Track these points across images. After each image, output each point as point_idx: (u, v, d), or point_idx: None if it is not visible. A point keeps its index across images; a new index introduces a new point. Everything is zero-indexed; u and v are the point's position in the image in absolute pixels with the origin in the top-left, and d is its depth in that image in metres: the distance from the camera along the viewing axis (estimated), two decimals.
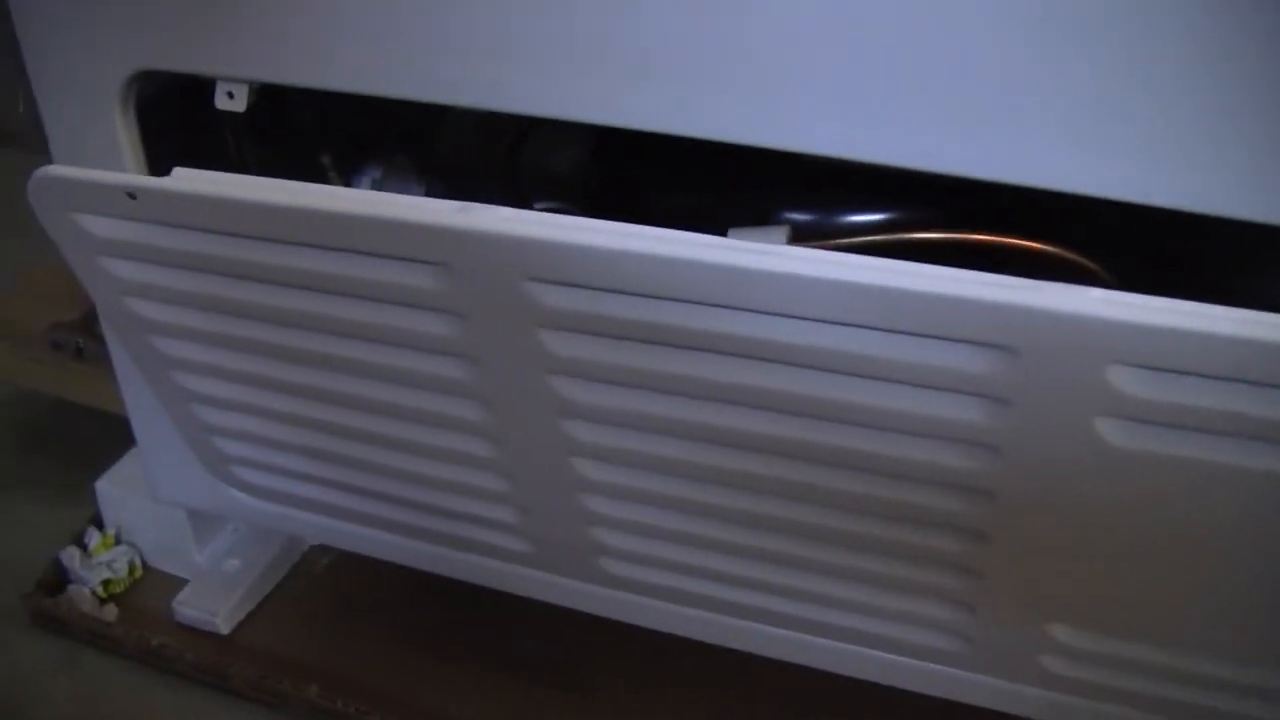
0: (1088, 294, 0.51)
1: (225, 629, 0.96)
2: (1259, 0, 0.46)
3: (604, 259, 0.56)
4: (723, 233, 0.68)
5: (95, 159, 0.73)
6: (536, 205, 0.89)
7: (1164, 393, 0.52)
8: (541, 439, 0.67)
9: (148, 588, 1.01)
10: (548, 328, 0.61)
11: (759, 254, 0.54)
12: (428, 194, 0.91)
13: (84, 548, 1.01)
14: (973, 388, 0.55)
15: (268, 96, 0.70)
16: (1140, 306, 0.50)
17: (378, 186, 0.88)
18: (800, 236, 0.67)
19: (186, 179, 0.64)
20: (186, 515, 0.98)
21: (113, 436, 0.97)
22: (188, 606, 0.97)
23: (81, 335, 1.05)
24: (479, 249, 0.58)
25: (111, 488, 1.01)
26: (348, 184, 0.84)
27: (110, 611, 0.97)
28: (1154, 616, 0.63)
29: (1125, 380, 0.52)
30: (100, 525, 1.02)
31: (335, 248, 0.62)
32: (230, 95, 0.69)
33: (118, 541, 1.02)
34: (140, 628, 0.96)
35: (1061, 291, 0.51)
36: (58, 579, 1.00)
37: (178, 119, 0.73)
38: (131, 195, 0.65)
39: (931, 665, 0.71)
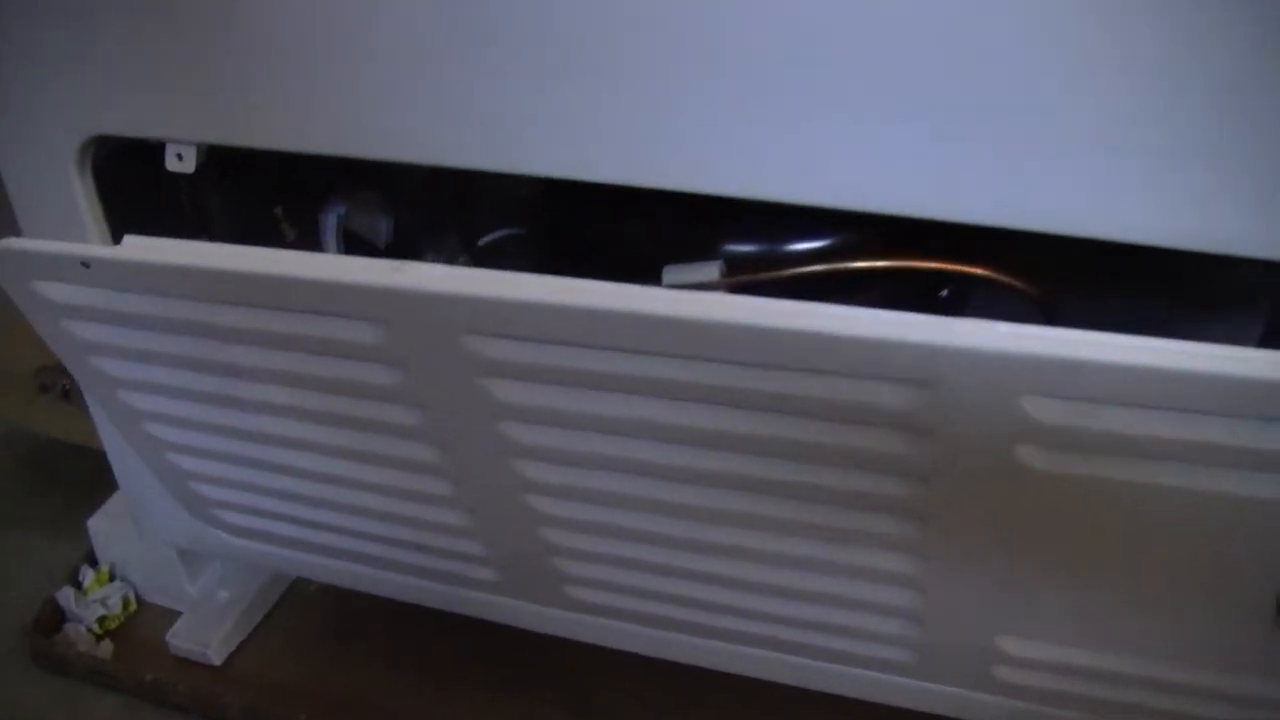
0: (996, 330, 0.52)
1: (217, 660, 0.99)
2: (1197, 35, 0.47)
3: (534, 313, 0.58)
4: (670, 257, 0.70)
5: (56, 220, 0.75)
6: (492, 233, 0.91)
7: (1079, 419, 0.54)
8: (495, 478, 0.69)
9: (143, 621, 1.03)
10: (489, 376, 0.63)
11: (680, 304, 0.55)
12: (394, 225, 0.93)
13: (79, 585, 1.04)
14: (895, 421, 0.57)
15: (219, 153, 0.72)
16: (1048, 340, 0.52)
17: (343, 221, 0.90)
18: (740, 268, 0.69)
19: (136, 248, 0.66)
20: (176, 550, 1.00)
21: (106, 473, 0.99)
22: (180, 639, 0.99)
23: (67, 378, 1.07)
24: (415, 306, 0.60)
25: (103, 525, 1.04)
26: (313, 223, 0.86)
27: (106, 648, 1.00)
28: (1095, 625, 0.65)
29: (1040, 409, 0.54)
30: (94, 562, 1.05)
31: (279, 308, 0.64)
32: (179, 157, 0.71)
33: (112, 578, 1.04)
34: (135, 662, 0.98)
35: (972, 328, 0.53)
36: (55, 618, 1.02)
37: (136, 178, 0.75)
38: (85, 264, 0.67)
39: (888, 676, 0.73)
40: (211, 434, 0.77)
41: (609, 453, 0.65)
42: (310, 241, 0.84)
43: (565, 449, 0.65)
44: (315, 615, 1.04)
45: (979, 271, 0.66)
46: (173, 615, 1.03)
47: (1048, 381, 0.53)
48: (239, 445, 0.77)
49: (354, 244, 0.90)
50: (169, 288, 0.66)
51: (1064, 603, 0.64)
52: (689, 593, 0.73)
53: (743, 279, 0.67)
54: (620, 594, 0.76)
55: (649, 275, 0.70)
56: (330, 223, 0.90)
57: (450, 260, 0.90)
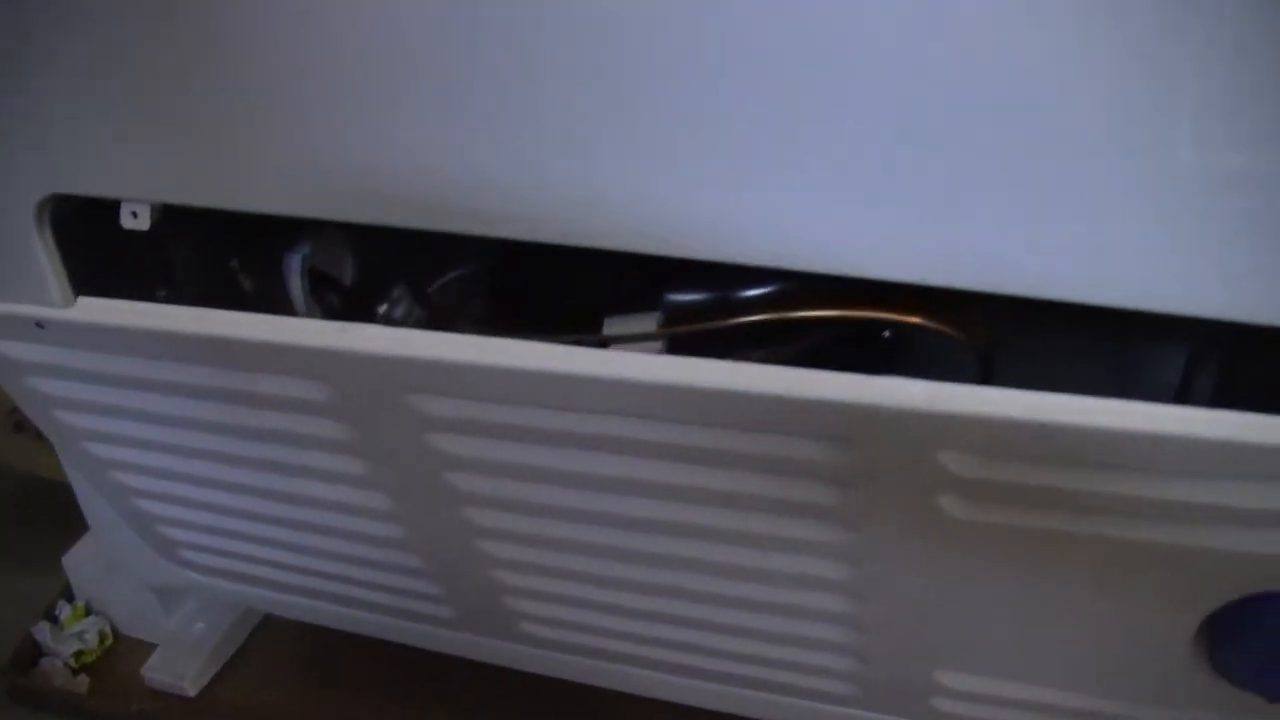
0: (911, 388, 0.54)
1: (193, 691, 1.01)
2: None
3: (470, 374, 0.60)
4: (614, 303, 0.72)
5: (17, 277, 0.76)
6: (449, 273, 0.93)
7: (996, 472, 0.56)
8: (446, 524, 0.72)
9: (120, 655, 1.06)
10: (433, 431, 0.65)
11: (606, 364, 0.57)
12: (359, 264, 0.95)
13: (55, 620, 1.06)
14: (821, 473, 0.59)
15: (175, 210, 0.74)
16: (962, 397, 0.54)
17: (308, 261, 0.91)
18: (681, 317, 0.70)
19: (89, 309, 0.68)
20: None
21: (81, 509, 1.02)
22: (156, 672, 1.02)
23: None
24: (359, 367, 0.62)
25: (79, 561, 1.06)
26: (274, 268, 0.88)
27: (82, 683, 1.02)
28: (1028, 659, 0.67)
29: (957, 463, 0.56)
30: (71, 597, 1.07)
31: (229, 367, 0.66)
32: (134, 215, 0.73)
33: (88, 612, 1.07)
34: (112, 697, 1.01)
35: (889, 387, 0.55)
36: (32, 653, 1.05)
37: (98, 234, 0.77)
38: (40, 325, 0.69)
39: (832, 707, 0.76)
40: (175, 481, 0.79)
41: (552, 501, 0.67)
42: (273, 284, 0.85)
43: (510, 498, 0.67)
44: (290, 647, 1.06)
45: (915, 320, 0.68)
46: (149, 648, 1.05)
47: (962, 437, 0.55)
48: (201, 492, 0.79)
49: (319, 282, 0.91)
50: (123, 347, 0.68)
51: (997, 638, 0.66)
52: (639, 630, 0.75)
53: (682, 329, 0.69)
54: (572, 630, 0.78)
55: (594, 319, 0.72)
56: (294, 264, 0.91)
57: (411, 301, 0.92)
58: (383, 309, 0.88)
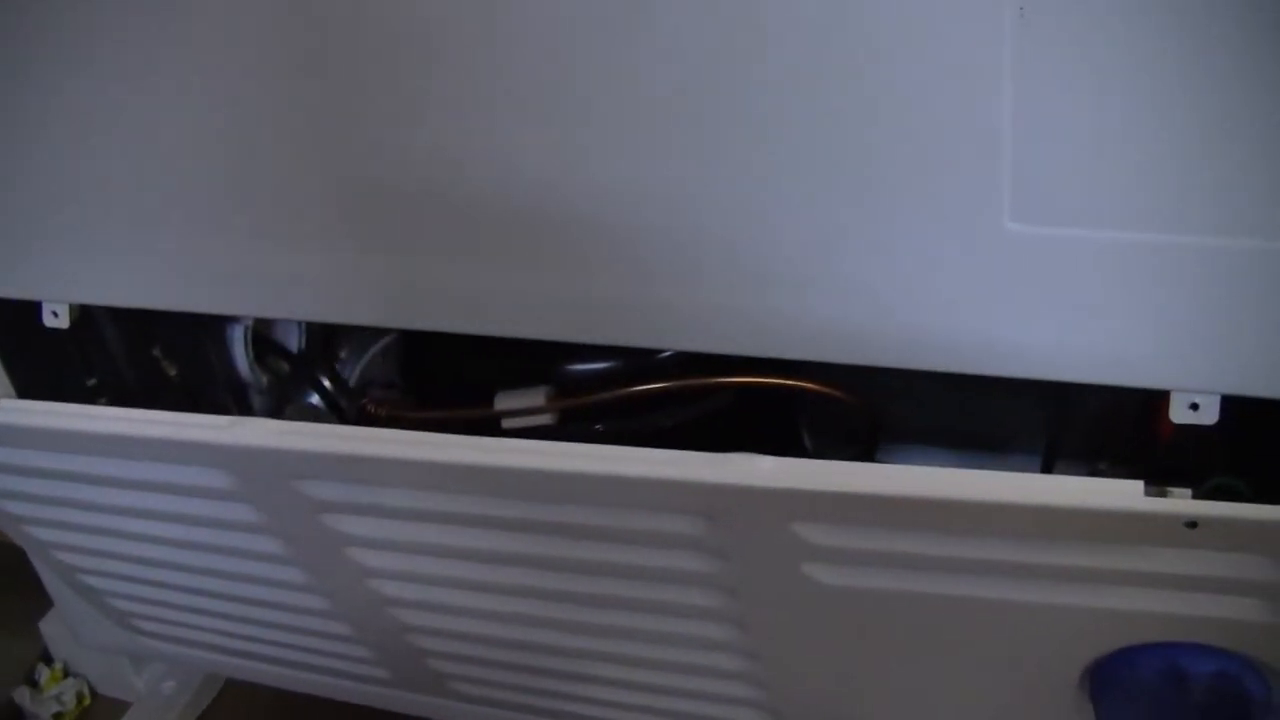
0: (759, 464, 0.56)
1: None
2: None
3: (352, 463, 0.62)
4: (510, 377, 0.74)
5: None
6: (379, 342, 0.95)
7: (851, 541, 0.57)
8: (359, 594, 0.74)
9: (97, 715, 1.09)
10: (326, 513, 0.67)
11: (466, 450, 0.59)
12: (304, 330, 0.98)
13: (35, 684, 1.10)
14: (692, 544, 0.60)
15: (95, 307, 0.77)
16: (806, 472, 0.55)
17: (249, 332, 0.94)
18: (570, 389, 0.72)
19: (8, 410, 0.71)
20: None
21: None
22: None
23: None
24: (250, 458, 0.65)
25: (56, 626, 1.10)
26: (200, 351, 0.91)
27: None
28: (928, 707, 0.68)
29: (812, 533, 0.57)
30: (49, 660, 1.11)
31: (135, 458, 0.69)
32: (55, 314, 0.76)
33: (66, 674, 1.10)
34: None
35: (736, 464, 0.56)
36: (14, 716, 1.08)
37: (27, 331, 0.81)
38: None
39: None
40: (113, 560, 0.82)
41: (449, 573, 0.69)
42: (199, 368, 0.88)
43: (409, 570, 0.70)
44: (259, 704, 1.09)
45: (807, 386, 0.69)
46: (125, 706, 1.09)
47: (812, 510, 0.56)
48: (138, 569, 0.82)
49: (267, 349, 0.94)
50: (43, 444, 0.71)
51: (895, 690, 0.67)
52: (559, 688, 0.77)
53: (569, 402, 0.71)
54: (496, 688, 0.80)
55: (490, 393, 0.74)
56: (237, 333, 0.94)
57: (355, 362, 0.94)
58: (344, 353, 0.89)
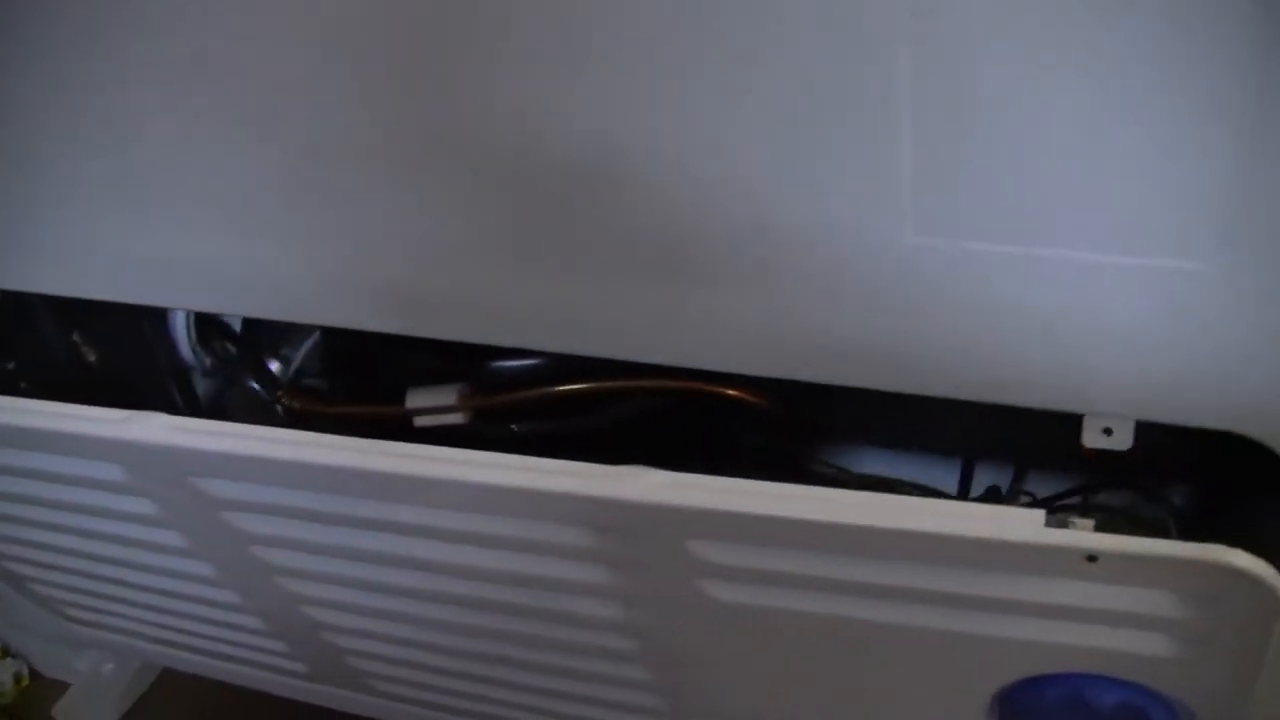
0: (650, 479, 0.54)
1: None
2: None
3: (249, 463, 0.60)
4: (428, 375, 0.72)
5: None
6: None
7: (746, 559, 0.55)
8: (268, 591, 0.72)
9: (36, 695, 1.08)
10: (227, 510, 0.65)
11: (345, 452, 0.57)
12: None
13: None
14: (585, 556, 0.58)
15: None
16: (697, 489, 0.53)
17: (193, 315, 0.92)
18: (484, 389, 0.70)
19: None
20: None
21: None
22: (66, 714, 1.04)
23: None
24: (146, 454, 0.63)
25: None
26: (123, 338, 0.89)
27: None
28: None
29: (706, 550, 0.55)
30: None
31: (35, 449, 0.67)
32: None
33: (6, 654, 1.09)
34: None
35: (627, 478, 0.54)
36: None
37: None
38: None
39: None
40: (29, 548, 0.81)
41: (354, 574, 0.67)
42: (123, 353, 0.86)
43: (312, 569, 0.68)
44: (197, 688, 1.08)
45: (716, 390, 0.67)
46: (65, 687, 1.08)
47: (704, 527, 0.54)
48: (54, 557, 0.80)
49: (212, 331, 0.92)
50: None
51: (800, 704, 0.65)
52: (465, 688, 0.75)
53: (480, 401, 0.69)
54: (416, 688, 0.78)
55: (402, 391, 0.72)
56: (179, 316, 0.93)
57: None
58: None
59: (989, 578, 0.52)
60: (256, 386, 0.91)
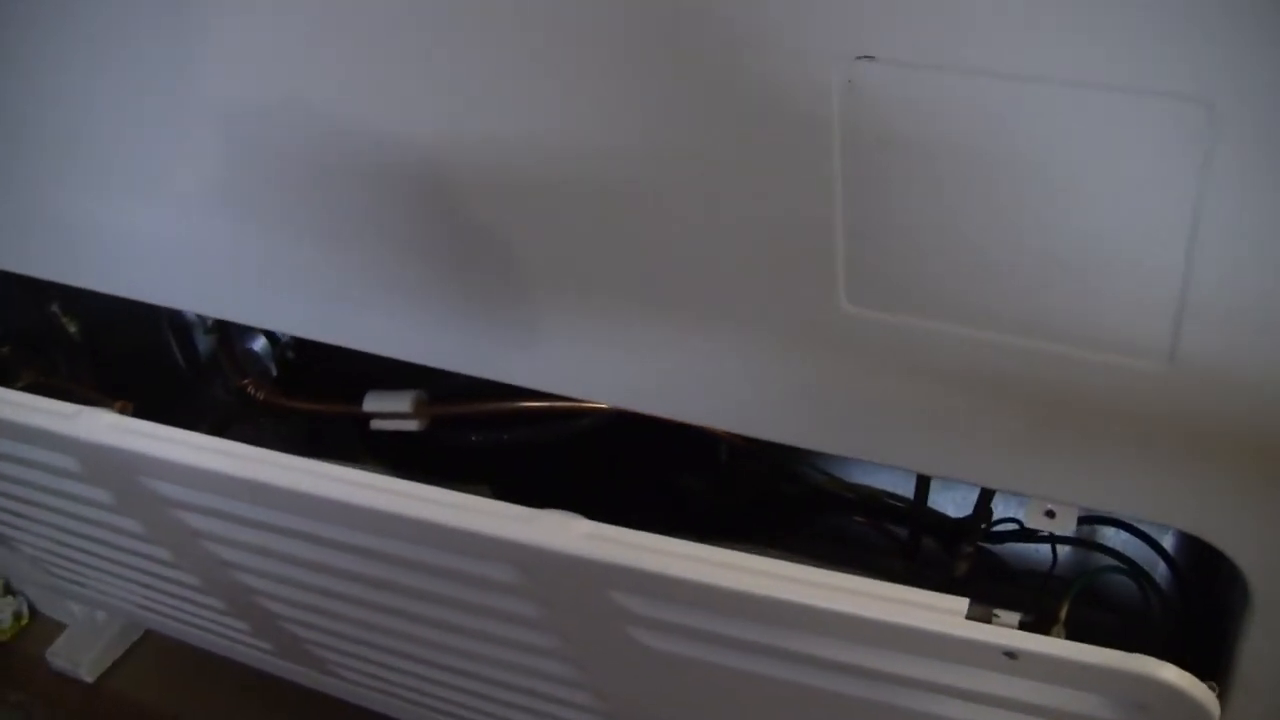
0: (572, 527, 0.52)
1: (90, 678, 1.06)
2: None
3: (187, 471, 0.60)
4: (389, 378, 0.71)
5: None
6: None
7: (671, 614, 0.54)
8: (227, 581, 0.73)
9: (34, 634, 1.12)
10: (173, 509, 0.65)
11: (280, 470, 0.57)
12: None
13: None
14: (513, 591, 0.58)
15: None
16: (618, 545, 0.51)
17: None
18: (444, 397, 0.69)
19: None
20: None
21: None
22: (58, 657, 1.07)
23: None
24: (89, 451, 0.63)
25: None
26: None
27: None
28: None
29: (630, 602, 0.54)
30: None
31: None
32: None
33: (7, 591, 1.13)
34: (13, 680, 1.07)
35: (547, 525, 0.52)
36: None
37: None
38: None
39: None
40: (9, 516, 0.83)
41: (299, 577, 0.67)
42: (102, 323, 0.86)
43: (265, 568, 0.68)
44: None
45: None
46: (62, 628, 1.11)
47: (625, 581, 0.53)
48: (25, 525, 0.82)
49: None
50: None
51: None
52: (419, 685, 0.76)
53: (433, 410, 0.68)
54: (373, 678, 0.79)
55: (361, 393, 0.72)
56: None
57: None
58: None
59: (911, 659, 0.50)
60: (259, 346, 0.91)
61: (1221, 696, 0.49)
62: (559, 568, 0.53)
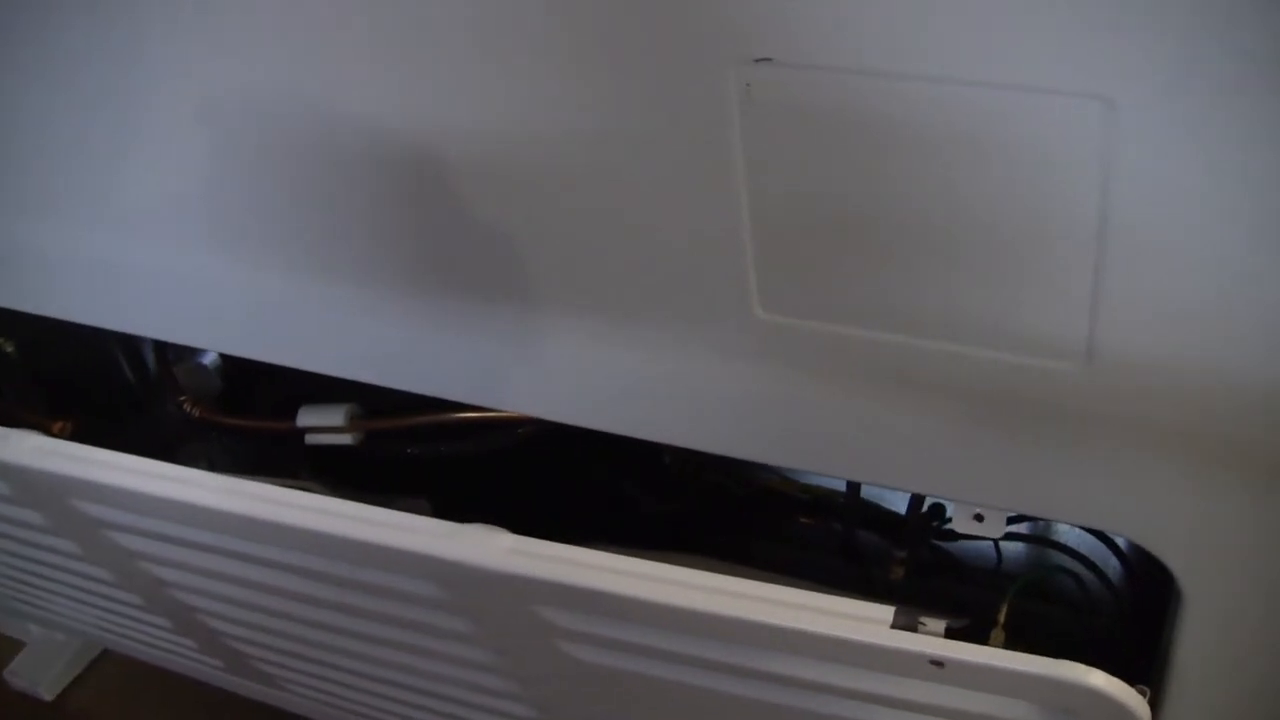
0: (494, 542, 0.51)
1: (49, 696, 1.05)
2: None
3: (116, 493, 0.59)
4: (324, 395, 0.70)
5: None
6: None
7: (593, 625, 0.53)
8: (167, 600, 0.72)
9: None
10: (111, 530, 0.64)
11: (203, 490, 0.56)
12: None
13: None
14: (446, 607, 0.57)
15: None
16: (539, 558, 0.51)
17: None
18: (378, 410, 0.68)
19: None
20: None
21: None
22: (16, 676, 1.06)
23: None
24: (22, 474, 0.62)
25: None
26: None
27: None
28: None
29: (556, 616, 0.53)
30: None
31: None
32: None
33: None
34: None
35: (469, 541, 0.52)
36: None
37: None
38: None
39: None
40: None
41: (237, 595, 0.66)
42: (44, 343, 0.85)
43: (200, 586, 0.67)
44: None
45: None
46: (20, 646, 1.10)
47: (550, 596, 0.52)
48: None
49: None
50: None
51: None
52: (364, 699, 0.75)
53: (367, 424, 0.67)
54: (322, 693, 0.78)
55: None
56: None
57: None
58: None
59: (840, 669, 0.49)
60: (208, 360, 0.90)
61: (1156, 698, 0.49)
62: (482, 583, 0.52)
